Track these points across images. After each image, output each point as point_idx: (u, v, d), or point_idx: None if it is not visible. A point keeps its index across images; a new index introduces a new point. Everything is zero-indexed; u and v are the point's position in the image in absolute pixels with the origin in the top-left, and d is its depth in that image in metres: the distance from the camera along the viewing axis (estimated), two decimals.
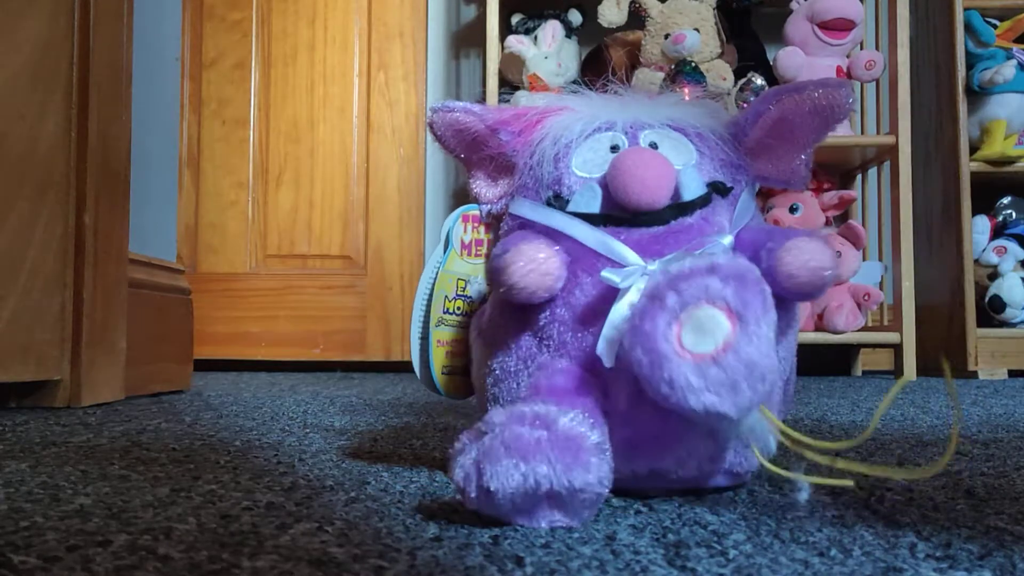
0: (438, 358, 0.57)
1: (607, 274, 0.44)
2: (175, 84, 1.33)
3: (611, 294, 0.44)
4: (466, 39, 2.20)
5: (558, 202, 0.49)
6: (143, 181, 1.18)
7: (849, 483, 0.41)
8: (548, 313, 0.47)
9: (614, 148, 0.49)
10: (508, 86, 1.89)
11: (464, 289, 0.57)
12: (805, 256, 0.43)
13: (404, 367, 2.06)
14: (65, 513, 0.41)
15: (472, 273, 0.57)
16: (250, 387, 1.38)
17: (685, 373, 0.37)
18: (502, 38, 1.87)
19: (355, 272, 2.08)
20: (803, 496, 0.42)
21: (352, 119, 2.11)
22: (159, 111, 1.26)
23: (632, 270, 0.44)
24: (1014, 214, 1.97)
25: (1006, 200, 1.98)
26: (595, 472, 0.38)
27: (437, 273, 0.56)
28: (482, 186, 0.53)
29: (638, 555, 0.35)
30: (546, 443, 0.38)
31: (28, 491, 0.47)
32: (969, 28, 1.86)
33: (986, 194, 1.95)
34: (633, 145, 0.49)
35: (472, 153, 0.53)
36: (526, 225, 0.50)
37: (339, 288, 2.08)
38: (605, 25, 1.76)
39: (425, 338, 0.56)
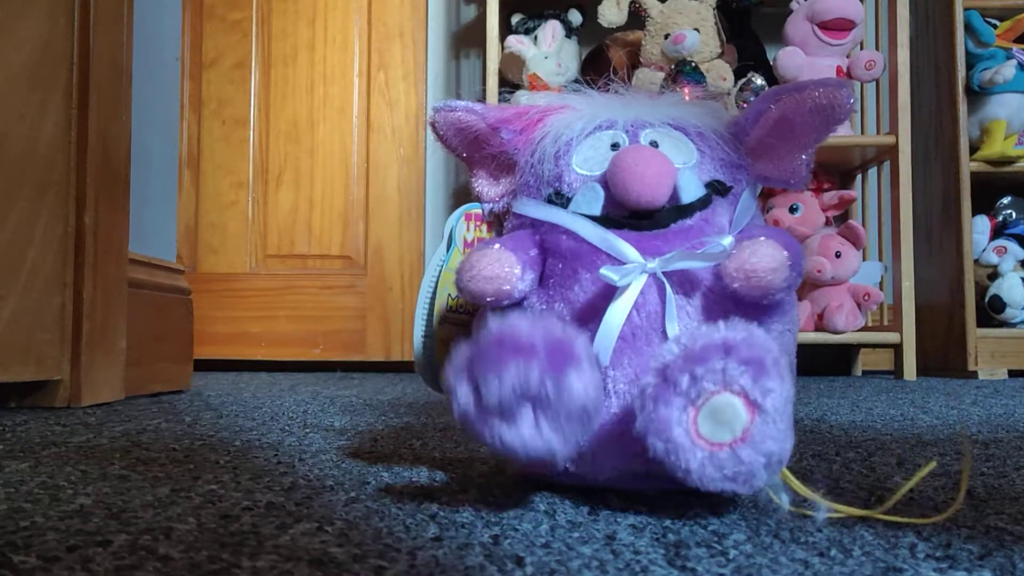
0: (441, 357, 0.57)
1: (606, 271, 0.44)
2: (175, 84, 1.33)
3: (610, 291, 0.44)
4: (466, 39, 2.20)
5: (559, 199, 0.49)
6: (143, 181, 1.18)
7: (863, 513, 0.42)
8: (546, 309, 0.47)
9: (615, 146, 0.49)
10: (508, 86, 1.89)
11: None
12: (742, 257, 0.43)
13: (404, 367, 2.06)
14: (65, 513, 0.41)
15: None
16: (250, 387, 1.38)
17: (702, 462, 0.37)
18: (502, 38, 1.87)
19: (355, 272, 2.08)
20: (822, 517, 0.42)
21: (352, 119, 2.11)
22: (159, 111, 1.26)
23: (631, 268, 0.44)
24: (1014, 214, 1.97)
25: (1006, 200, 1.98)
26: (587, 378, 0.38)
27: (440, 272, 0.56)
28: (484, 185, 0.54)
29: (638, 555, 0.35)
30: (540, 341, 0.38)
31: (28, 491, 0.47)
32: (969, 28, 1.86)
33: (986, 194, 1.95)
34: (634, 143, 0.49)
35: (474, 152, 0.53)
36: (528, 224, 0.50)
37: (339, 288, 2.08)
38: (605, 25, 1.76)
39: (428, 336, 0.56)
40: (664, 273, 0.44)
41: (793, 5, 1.82)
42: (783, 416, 0.37)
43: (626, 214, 0.47)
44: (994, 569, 0.33)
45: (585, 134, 0.50)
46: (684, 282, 0.45)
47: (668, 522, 0.41)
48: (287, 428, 0.79)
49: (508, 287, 0.46)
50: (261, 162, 2.12)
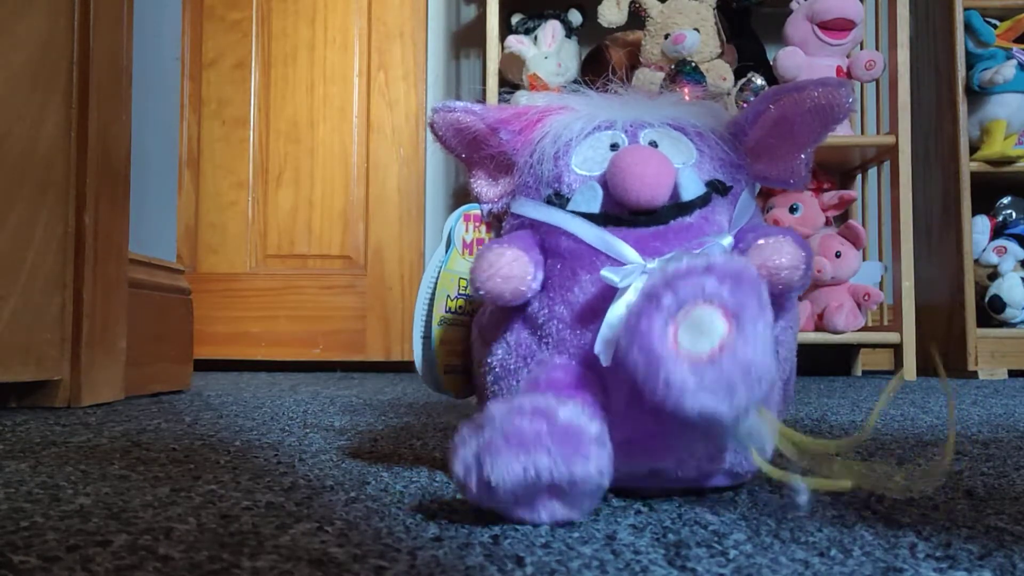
0: (440, 357, 0.57)
1: (606, 273, 0.44)
2: (175, 84, 1.33)
3: (610, 293, 0.44)
4: (466, 39, 2.20)
5: (558, 200, 0.49)
6: (143, 181, 1.18)
7: (847, 486, 0.41)
8: (547, 311, 0.47)
9: (614, 146, 0.49)
10: (508, 86, 1.89)
11: (466, 288, 0.57)
12: (764, 255, 0.43)
13: (404, 367, 2.06)
14: (65, 513, 0.41)
15: None
16: (250, 387, 1.38)
17: (681, 374, 0.37)
18: (502, 38, 1.87)
19: (355, 272, 2.08)
20: (802, 499, 0.42)
21: (352, 119, 2.11)
22: (159, 111, 1.26)
23: (631, 268, 0.44)
24: (1014, 214, 1.97)
25: (1006, 200, 1.98)
26: (595, 462, 0.38)
27: (439, 272, 0.56)
28: (483, 185, 0.54)
29: (638, 555, 0.35)
30: (546, 434, 0.38)
31: (28, 491, 0.47)
32: (969, 28, 1.86)
33: (986, 194, 1.95)
34: (633, 143, 0.49)
35: (473, 152, 0.53)
36: (526, 224, 0.50)
37: (339, 288, 2.08)
38: (605, 25, 1.76)
39: (427, 337, 0.56)
40: None
41: (793, 5, 1.82)
42: (762, 334, 0.37)
43: (625, 212, 0.47)
44: (994, 569, 0.33)
45: (584, 135, 0.50)
46: None
47: (668, 522, 0.41)
48: (287, 428, 0.79)
49: (524, 288, 0.46)
50: (261, 162, 2.12)
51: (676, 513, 0.43)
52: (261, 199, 2.11)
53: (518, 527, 0.39)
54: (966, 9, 1.87)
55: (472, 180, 0.54)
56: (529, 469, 0.37)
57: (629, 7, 1.75)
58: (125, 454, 0.61)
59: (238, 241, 2.11)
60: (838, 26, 1.76)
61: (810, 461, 0.41)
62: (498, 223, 0.55)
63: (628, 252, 0.45)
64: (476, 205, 0.55)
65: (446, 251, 0.57)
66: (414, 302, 0.57)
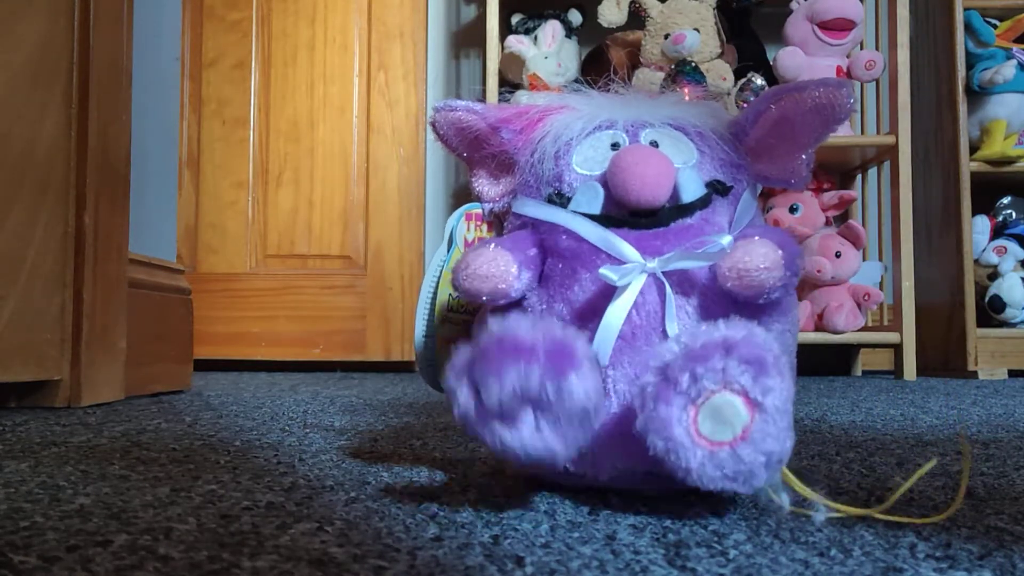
0: (442, 356, 0.57)
1: (605, 271, 0.44)
2: (175, 84, 1.33)
3: (610, 291, 0.44)
4: (466, 39, 2.20)
5: (559, 199, 0.49)
6: (143, 181, 1.18)
7: (864, 513, 0.41)
8: (547, 309, 0.47)
9: (615, 146, 0.49)
10: (508, 86, 1.89)
11: None
12: (735, 257, 0.43)
13: (404, 367, 2.06)
14: (65, 513, 0.41)
15: None
16: (250, 387, 1.38)
17: (702, 461, 0.37)
18: (502, 38, 1.87)
19: (355, 272, 2.08)
20: (821, 518, 0.42)
21: (352, 119, 2.11)
22: (159, 111, 1.26)
23: (631, 267, 0.44)
24: (1014, 214, 1.97)
25: (1006, 200, 1.98)
26: (587, 380, 0.38)
27: (441, 272, 0.56)
28: (484, 184, 0.54)
29: (638, 555, 0.35)
30: (540, 343, 0.38)
31: (28, 491, 0.47)
32: (969, 28, 1.86)
33: (986, 194, 1.95)
34: (634, 143, 0.49)
35: (474, 152, 0.53)
36: (528, 223, 0.50)
37: (339, 288, 2.08)
38: (605, 25, 1.76)
39: (429, 336, 0.56)
40: (664, 273, 0.44)
41: (793, 5, 1.82)
42: (783, 415, 0.37)
43: (626, 213, 0.47)
44: (994, 569, 0.33)
45: (585, 134, 0.50)
46: (683, 282, 0.45)
47: (668, 522, 0.41)
48: (287, 428, 0.79)
49: (504, 286, 0.46)
50: (261, 162, 2.12)
51: (676, 513, 0.43)
52: (261, 199, 2.11)
53: (518, 527, 0.39)
54: (966, 9, 1.87)
55: (473, 179, 0.54)
56: (520, 375, 0.37)
57: (629, 7, 1.75)
58: (125, 454, 0.61)
59: (238, 241, 2.11)
60: (838, 26, 1.76)
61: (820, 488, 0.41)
62: (499, 222, 0.55)
63: (628, 250, 0.45)
64: (478, 204, 0.55)
65: (448, 250, 0.57)
66: (414, 302, 0.57)
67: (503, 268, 0.45)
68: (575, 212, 0.48)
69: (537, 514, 0.42)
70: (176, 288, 1.26)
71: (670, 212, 0.47)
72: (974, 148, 1.89)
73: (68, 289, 0.97)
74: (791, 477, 0.41)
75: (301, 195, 2.10)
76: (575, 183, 0.49)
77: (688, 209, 0.47)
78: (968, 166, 1.86)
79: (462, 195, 2.17)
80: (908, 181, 1.77)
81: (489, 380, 0.37)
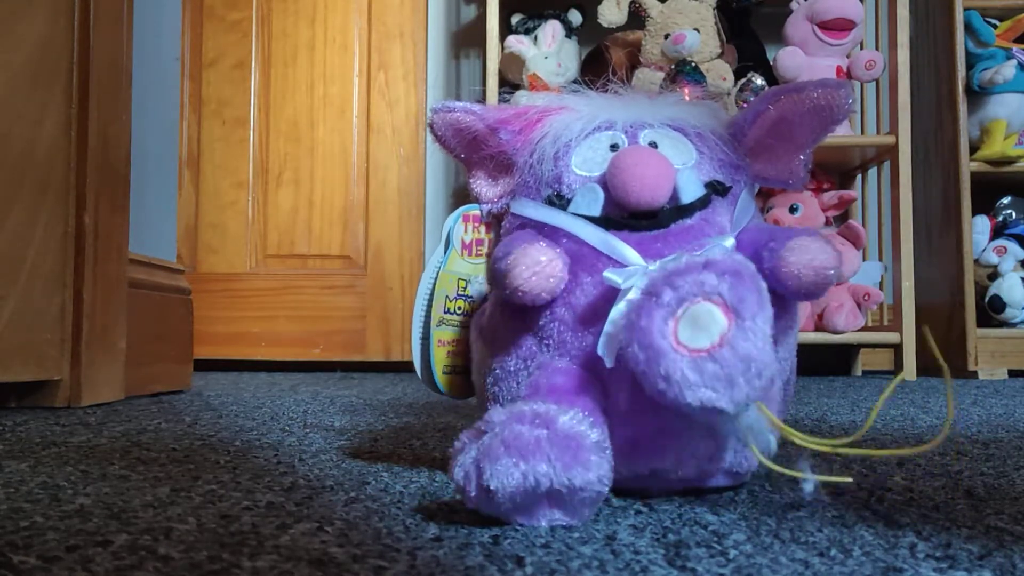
0: (439, 358, 0.57)
1: (609, 274, 0.44)
2: (175, 84, 1.33)
3: (612, 294, 0.44)
4: (466, 39, 2.20)
5: (559, 201, 0.49)
6: (143, 181, 1.18)
7: (849, 480, 0.41)
8: (549, 313, 0.47)
9: (614, 147, 0.49)
10: (508, 86, 1.89)
11: (465, 289, 0.57)
12: (809, 255, 0.43)
13: (404, 367, 2.06)
14: (65, 513, 0.41)
15: (473, 273, 0.57)
16: (250, 387, 1.38)
17: (681, 368, 0.37)
18: (502, 38, 1.87)
19: (355, 272, 2.08)
20: (809, 488, 0.42)
21: (352, 119, 2.11)
22: (159, 111, 1.26)
23: (633, 270, 0.44)
24: (1014, 214, 1.97)
25: (1006, 200, 1.98)
26: (595, 471, 0.38)
27: (438, 273, 0.56)
28: (482, 186, 0.53)
29: (638, 555, 0.35)
30: (546, 442, 0.38)
31: (28, 491, 0.47)
32: (969, 28, 1.86)
33: (986, 194, 1.95)
34: (633, 144, 0.49)
35: (472, 153, 0.53)
36: (527, 224, 0.50)
37: (339, 288, 2.08)
38: (605, 25, 1.76)
39: (426, 338, 0.56)
40: None
41: (793, 5, 1.82)
42: (761, 329, 0.37)
43: (626, 215, 0.47)
44: (994, 569, 0.33)
45: (584, 135, 0.50)
46: None
47: (668, 522, 0.41)
48: (287, 428, 0.79)
49: (558, 288, 0.45)
50: (261, 162, 2.12)
51: (676, 513, 0.43)
52: (261, 199, 2.11)
53: (518, 527, 0.39)
54: (966, 9, 1.87)
55: (471, 180, 0.54)
56: (528, 476, 0.37)
57: (629, 7, 1.75)
58: (125, 454, 0.61)
59: (238, 241, 2.11)
60: (838, 26, 1.76)
61: (810, 452, 0.41)
62: (498, 223, 0.55)
63: (630, 254, 0.45)
64: (475, 205, 0.55)
65: (445, 251, 0.57)
66: (414, 302, 0.57)
67: (561, 269, 0.45)
68: (575, 214, 0.48)
69: None
70: (176, 288, 1.26)
71: (670, 213, 0.47)
72: (974, 148, 1.89)
73: (68, 289, 0.97)
74: (775, 420, 0.41)
75: (301, 195, 2.10)
76: (574, 184, 0.49)
77: (688, 210, 0.47)
78: (968, 166, 1.86)
79: (462, 195, 2.17)
80: (908, 181, 1.77)
81: (496, 482, 0.37)
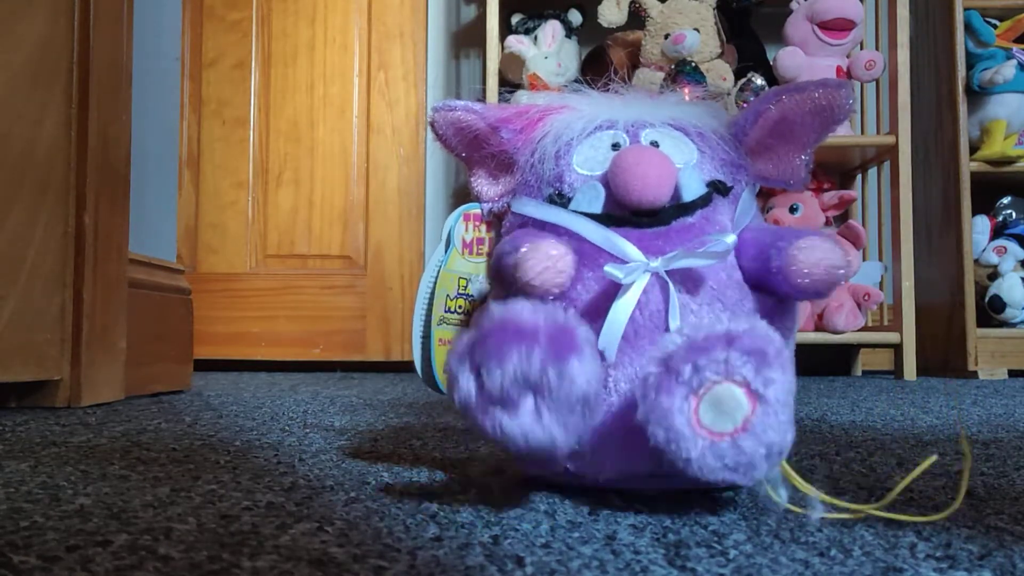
0: (440, 357, 0.57)
1: (610, 269, 0.44)
2: (175, 84, 1.33)
3: (613, 290, 0.44)
4: (466, 39, 2.20)
5: (560, 200, 0.49)
6: (143, 181, 1.18)
7: (861, 512, 0.41)
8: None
9: (615, 146, 0.49)
10: (508, 86, 1.89)
11: (466, 288, 0.57)
12: (819, 254, 0.43)
13: (404, 367, 2.06)
14: (65, 513, 0.41)
15: (474, 272, 0.57)
16: (250, 387, 1.38)
17: (703, 452, 0.37)
18: (502, 38, 1.87)
19: (355, 272, 2.08)
20: (817, 516, 0.42)
21: (352, 119, 2.11)
22: (159, 111, 1.26)
23: (635, 266, 0.44)
24: (1014, 214, 1.97)
25: (1006, 200, 1.98)
26: (587, 365, 0.38)
27: (439, 272, 0.56)
28: (483, 184, 0.53)
29: (638, 555, 0.35)
30: (542, 327, 0.38)
31: (28, 491, 0.47)
32: (969, 28, 1.86)
33: (986, 194, 1.95)
34: (634, 143, 0.49)
35: (473, 151, 0.53)
36: (528, 223, 0.50)
37: (339, 288, 2.08)
38: (605, 25, 1.76)
39: (427, 337, 0.56)
40: (667, 272, 0.44)
41: (793, 5, 1.82)
42: (784, 407, 0.37)
43: (627, 212, 0.47)
44: (994, 569, 0.33)
45: (586, 134, 0.50)
46: (687, 280, 0.45)
47: (668, 522, 0.41)
48: (287, 428, 0.79)
49: (568, 284, 0.45)
50: (261, 162, 2.12)
51: (676, 513, 0.43)
52: (261, 199, 2.11)
53: (518, 527, 0.39)
54: (966, 9, 1.87)
55: (472, 179, 0.54)
56: (522, 359, 0.37)
57: (629, 7, 1.75)
58: (125, 454, 0.61)
59: (238, 241, 2.11)
60: (838, 26, 1.76)
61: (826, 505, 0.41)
62: (498, 222, 0.55)
63: (631, 250, 0.45)
64: (476, 204, 0.54)
65: (445, 251, 0.57)
66: (414, 302, 0.57)
67: (571, 265, 0.44)
68: (576, 212, 0.48)
69: (537, 514, 0.42)
70: (176, 288, 1.26)
71: (671, 211, 0.47)
72: (974, 148, 1.89)
73: (68, 289, 0.97)
74: (790, 472, 0.41)
75: (301, 195, 2.10)
76: (576, 183, 0.49)
77: (689, 208, 0.47)
78: (968, 166, 1.86)
79: (462, 195, 2.17)
80: (908, 181, 1.77)
81: (491, 363, 0.37)
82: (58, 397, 0.96)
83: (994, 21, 1.90)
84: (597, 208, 0.47)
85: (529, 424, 0.38)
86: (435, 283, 0.56)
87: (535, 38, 1.89)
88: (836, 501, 0.41)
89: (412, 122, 2.10)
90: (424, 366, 0.57)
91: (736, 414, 0.37)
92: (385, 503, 0.45)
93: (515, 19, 1.94)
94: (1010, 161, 1.86)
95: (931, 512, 0.44)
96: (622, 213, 0.47)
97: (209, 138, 2.12)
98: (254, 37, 2.13)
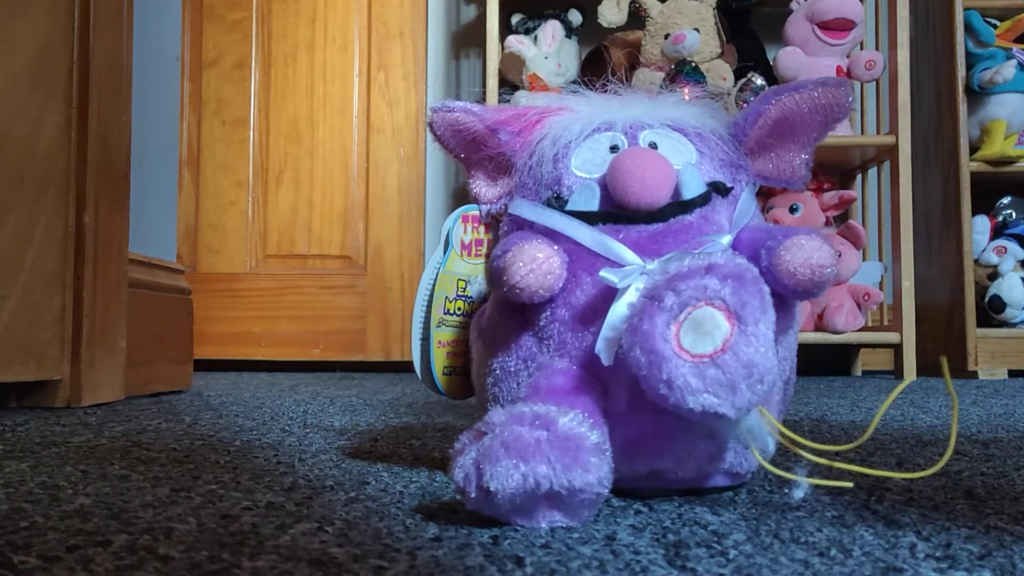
0: (439, 359, 0.57)
1: (605, 274, 0.44)
2: (175, 84, 1.33)
3: (611, 293, 0.44)
4: (466, 39, 2.20)
5: (558, 203, 0.49)
6: (143, 181, 1.18)
7: (849, 484, 0.41)
8: (548, 313, 0.47)
9: (613, 148, 0.49)
10: (508, 86, 1.89)
11: (464, 290, 0.57)
12: (805, 254, 0.43)
13: (404, 367, 2.06)
14: (65, 513, 0.41)
15: (472, 273, 0.57)
16: (250, 387, 1.38)
17: (684, 374, 0.37)
18: (502, 38, 1.87)
19: (355, 272, 2.08)
20: (800, 495, 0.42)
21: (352, 119, 2.11)
22: (159, 111, 1.26)
23: (630, 270, 0.44)
24: (1014, 214, 1.97)
25: (1006, 200, 1.98)
26: (595, 472, 0.38)
27: (437, 274, 0.56)
28: (481, 186, 0.53)
29: (638, 555, 0.35)
30: (545, 443, 0.38)
31: (28, 491, 0.47)
32: (969, 28, 1.86)
33: (986, 194, 1.95)
34: (633, 145, 0.49)
35: (472, 153, 0.53)
36: (524, 225, 0.50)
37: (339, 288, 2.08)
38: (605, 25, 1.76)
39: (426, 339, 0.56)
40: None
41: (793, 5, 1.82)
42: (764, 334, 0.37)
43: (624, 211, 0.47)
44: (994, 569, 0.33)
45: (584, 136, 0.50)
46: None
47: (668, 522, 0.41)
48: (287, 428, 0.79)
49: (557, 286, 0.45)
50: (261, 162, 2.12)
51: (676, 513, 0.43)
52: (261, 199, 2.11)
53: (518, 528, 0.39)
54: (966, 9, 1.87)
55: (471, 181, 0.54)
56: (528, 478, 0.37)
57: (629, 7, 1.75)
58: (125, 454, 0.61)
59: (238, 241, 2.11)
60: (838, 26, 1.76)
61: (809, 459, 0.41)
62: (497, 224, 0.55)
63: (626, 254, 0.45)
64: (475, 206, 0.54)
65: (444, 252, 0.57)
66: (414, 302, 0.58)
67: (560, 267, 0.45)
68: (572, 213, 0.47)
69: None
70: (176, 288, 1.26)
71: (670, 208, 0.47)
72: (974, 148, 1.89)
73: (68, 289, 0.97)
74: (775, 423, 0.41)
75: (301, 195, 2.10)
76: (574, 186, 0.49)
77: (688, 206, 0.47)
78: (968, 166, 1.86)
79: (462, 195, 2.17)
80: (908, 181, 1.77)
81: (495, 484, 0.37)
82: (58, 397, 0.96)
83: (994, 21, 1.90)
84: (593, 206, 0.47)
85: (544, 523, 0.39)
86: (434, 285, 0.56)
87: (535, 38, 1.89)
88: (816, 457, 0.41)
89: (412, 122, 2.10)
90: (423, 368, 0.57)
91: (715, 334, 0.37)
92: (385, 503, 0.45)
93: (515, 19, 1.94)
94: (1010, 161, 1.86)
95: (931, 512, 0.44)
96: (618, 211, 0.47)
97: (209, 138, 2.12)
98: (254, 37, 2.13)
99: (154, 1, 1.23)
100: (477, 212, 0.55)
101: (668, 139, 0.49)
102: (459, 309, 0.56)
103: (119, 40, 1.06)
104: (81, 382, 0.97)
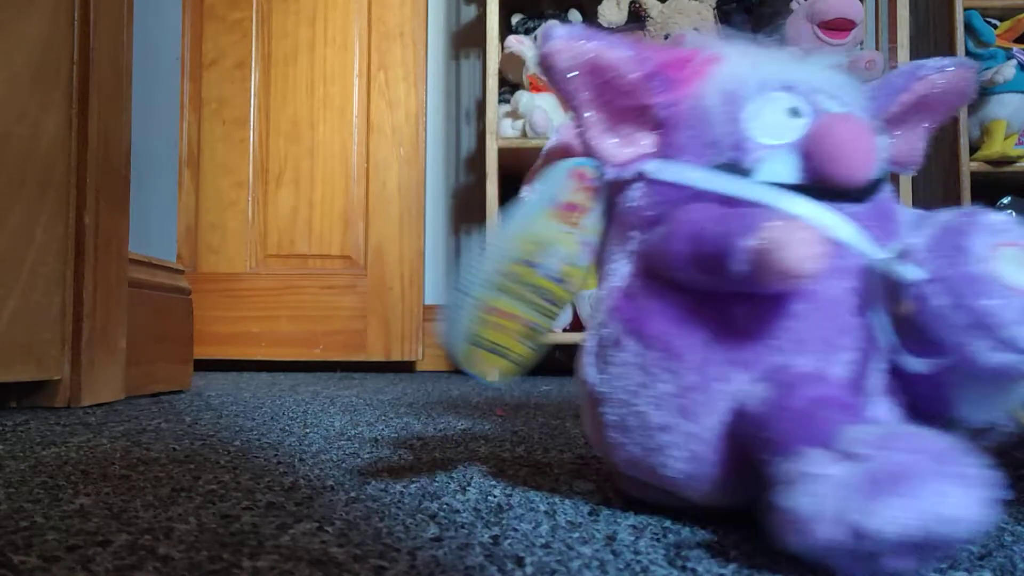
0: (479, 325, 0.44)
1: (873, 257, 0.38)
2: (175, 84, 1.33)
3: (842, 279, 0.39)
4: (466, 39, 2.20)
5: (737, 171, 0.41)
6: (143, 181, 1.18)
7: None
8: (772, 307, 0.38)
9: (793, 111, 0.42)
10: (508, 86, 1.89)
11: (532, 255, 0.44)
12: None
13: (404, 367, 2.06)
14: (65, 513, 0.41)
15: (551, 241, 0.44)
16: (250, 387, 1.38)
17: (1000, 301, 0.33)
18: (502, 38, 1.87)
19: (355, 272, 2.08)
20: None
21: (352, 119, 2.11)
22: (159, 111, 1.26)
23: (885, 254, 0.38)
24: (1014, 214, 1.97)
25: (1006, 200, 1.98)
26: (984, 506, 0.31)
27: (523, 226, 0.44)
28: (610, 144, 0.43)
29: (638, 555, 0.35)
30: (930, 467, 0.30)
31: (28, 491, 0.47)
32: (969, 28, 1.86)
33: (986, 194, 1.95)
34: (819, 111, 0.42)
35: (603, 98, 0.43)
36: (682, 199, 0.41)
37: (339, 288, 2.08)
38: (605, 25, 1.76)
39: (468, 295, 0.44)
40: (871, 279, 0.39)
41: (793, 5, 1.82)
42: None
43: (826, 186, 0.40)
44: (994, 569, 0.33)
45: (759, 95, 0.42)
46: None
47: (668, 522, 0.41)
48: (287, 428, 0.79)
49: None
50: (261, 162, 2.12)
51: (676, 513, 0.43)
52: (261, 199, 2.11)
53: (518, 527, 0.39)
54: (966, 9, 1.87)
55: (592, 134, 0.44)
56: (926, 513, 0.29)
57: (629, 7, 1.75)
58: (125, 454, 0.61)
59: (238, 241, 2.11)
60: (838, 26, 1.76)
61: None
62: (608, 192, 0.45)
63: (848, 233, 0.39)
64: (589, 161, 0.45)
65: (536, 206, 0.44)
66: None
67: (825, 241, 0.36)
68: (767, 184, 0.40)
69: (537, 514, 0.42)
70: (176, 288, 1.26)
71: (870, 187, 0.41)
72: (974, 148, 1.89)
73: (68, 289, 0.97)
74: None
75: (301, 195, 2.10)
76: (756, 152, 0.40)
77: (880, 183, 0.42)
78: (968, 166, 1.86)
79: (462, 195, 2.17)
80: (908, 181, 1.77)
81: (882, 523, 0.30)
82: (58, 397, 0.96)
83: (994, 21, 1.90)
84: (792, 178, 0.40)
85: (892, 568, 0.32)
86: (515, 238, 0.44)
87: (535, 38, 1.88)
88: None
89: (412, 122, 2.10)
90: (453, 327, 0.44)
91: None
92: (385, 503, 0.45)
93: (515, 19, 1.94)
94: (1010, 161, 1.86)
95: None
96: (819, 185, 0.40)
97: (209, 138, 2.12)
98: (254, 37, 2.13)
99: (154, 1, 1.23)
100: (591, 172, 0.45)
101: (842, 107, 0.42)
102: (515, 275, 0.44)
103: (119, 40, 1.06)
104: (81, 382, 0.97)
